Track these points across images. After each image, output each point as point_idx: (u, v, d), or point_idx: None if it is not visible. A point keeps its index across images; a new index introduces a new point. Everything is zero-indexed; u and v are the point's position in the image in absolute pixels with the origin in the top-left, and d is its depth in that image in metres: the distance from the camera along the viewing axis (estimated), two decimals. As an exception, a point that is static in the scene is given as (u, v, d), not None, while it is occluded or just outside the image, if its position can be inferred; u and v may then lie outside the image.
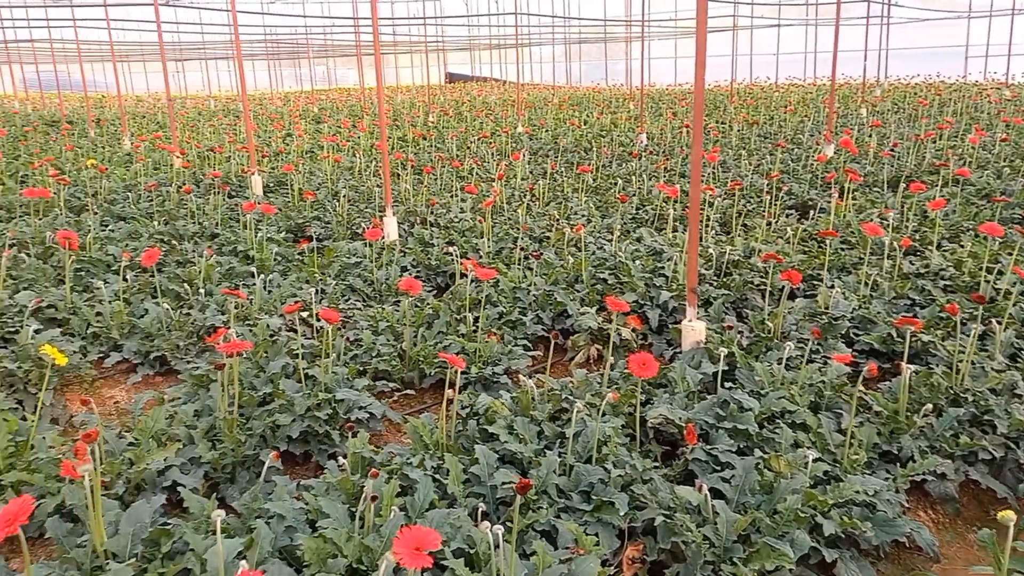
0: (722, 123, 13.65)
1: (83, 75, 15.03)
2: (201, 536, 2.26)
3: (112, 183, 8.43)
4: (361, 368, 3.82)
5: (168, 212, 7.00)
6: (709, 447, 2.90)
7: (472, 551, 2.29)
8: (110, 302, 4.46)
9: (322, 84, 39.42)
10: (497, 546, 2.12)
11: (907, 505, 2.87)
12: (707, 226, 6.13)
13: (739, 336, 3.88)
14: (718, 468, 2.81)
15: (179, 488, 2.64)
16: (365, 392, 3.45)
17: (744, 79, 25.37)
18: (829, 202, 6.79)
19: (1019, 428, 3.04)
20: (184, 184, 8.10)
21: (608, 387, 3.38)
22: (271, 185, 8.64)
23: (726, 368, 3.47)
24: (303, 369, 3.48)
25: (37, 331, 3.89)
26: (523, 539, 2.46)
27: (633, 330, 4.27)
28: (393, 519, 2.37)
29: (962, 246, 5.38)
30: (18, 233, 6.12)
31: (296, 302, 4.19)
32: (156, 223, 6.55)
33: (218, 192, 7.39)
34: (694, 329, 3.77)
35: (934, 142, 9.76)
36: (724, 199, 7.07)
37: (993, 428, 3.11)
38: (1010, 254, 4.98)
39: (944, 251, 5.32)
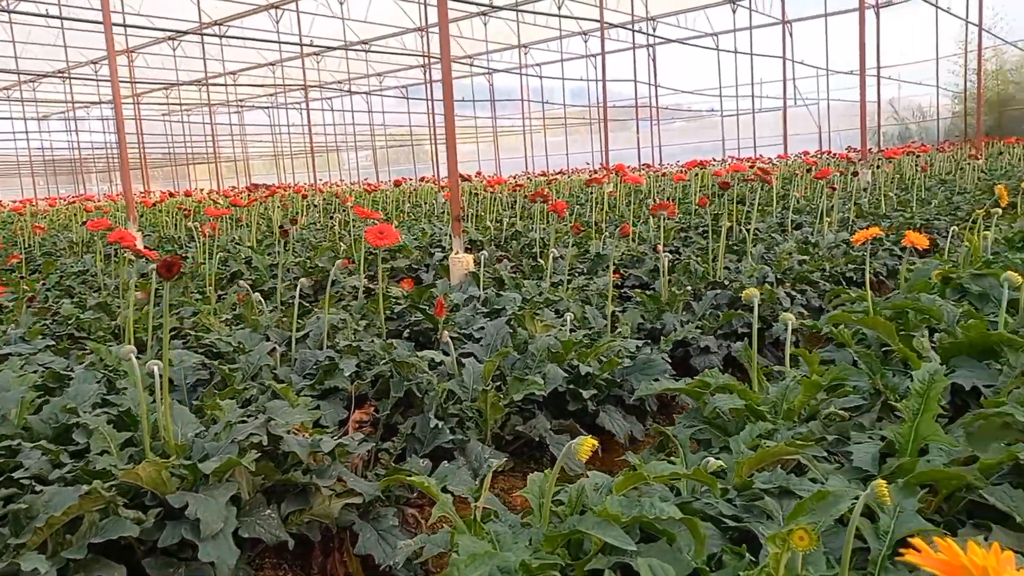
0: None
1: None
2: None
3: None
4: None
5: None
6: (463, 330, 2.60)
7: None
8: None
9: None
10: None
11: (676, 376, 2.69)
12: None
13: (508, 269, 3.68)
14: (469, 342, 2.51)
15: None
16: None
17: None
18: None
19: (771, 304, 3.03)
20: None
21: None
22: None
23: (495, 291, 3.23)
24: None
25: None
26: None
27: (405, 294, 3.97)
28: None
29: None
30: None
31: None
32: None
33: None
34: (461, 260, 3.52)
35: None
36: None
37: (749, 310, 3.06)
38: None
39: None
